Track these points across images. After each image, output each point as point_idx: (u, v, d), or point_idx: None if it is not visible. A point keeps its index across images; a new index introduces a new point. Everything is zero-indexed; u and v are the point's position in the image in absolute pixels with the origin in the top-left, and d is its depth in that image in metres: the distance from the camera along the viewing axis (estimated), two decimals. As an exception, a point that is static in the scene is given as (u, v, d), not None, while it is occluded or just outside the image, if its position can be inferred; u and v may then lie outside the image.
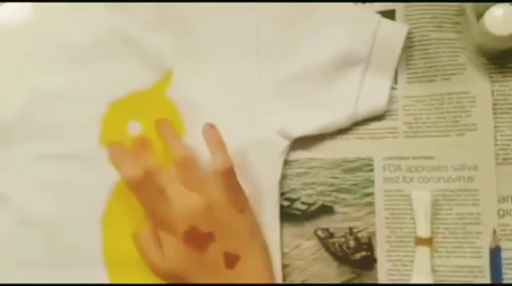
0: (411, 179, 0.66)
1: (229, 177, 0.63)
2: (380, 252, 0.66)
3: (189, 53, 0.68)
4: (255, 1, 0.67)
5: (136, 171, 0.63)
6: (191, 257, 0.63)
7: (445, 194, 0.65)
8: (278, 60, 0.67)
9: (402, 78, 0.67)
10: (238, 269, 0.63)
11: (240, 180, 0.64)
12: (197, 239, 0.63)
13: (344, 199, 0.67)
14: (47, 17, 0.71)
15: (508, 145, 0.65)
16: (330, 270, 0.67)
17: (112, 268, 0.68)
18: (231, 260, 0.63)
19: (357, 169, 0.67)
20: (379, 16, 0.66)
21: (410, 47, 0.67)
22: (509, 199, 0.65)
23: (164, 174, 0.65)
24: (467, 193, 0.65)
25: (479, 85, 0.66)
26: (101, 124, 0.69)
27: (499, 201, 0.65)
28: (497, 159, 0.65)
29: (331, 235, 0.67)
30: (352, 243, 0.67)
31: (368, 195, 0.67)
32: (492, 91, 0.65)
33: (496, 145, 0.65)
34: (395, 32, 0.66)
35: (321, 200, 0.67)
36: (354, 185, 0.67)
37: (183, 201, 0.63)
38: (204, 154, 0.65)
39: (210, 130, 0.65)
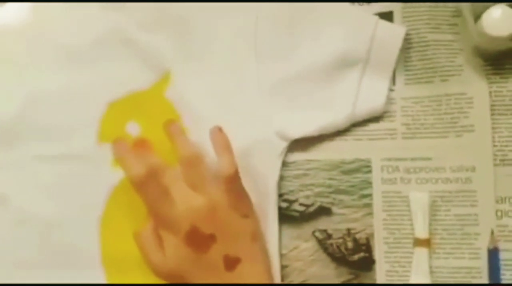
0: (409, 180, 0.66)
1: (233, 181, 0.63)
2: (378, 253, 0.66)
3: (187, 54, 0.68)
4: (254, 2, 0.67)
5: (141, 168, 0.63)
6: (191, 258, 0.63)
7: (443, 195, 0.65)
8: (276, 61, 0.67)
9: (400, 79, 0.67)
10: (238, 272, 0.63)
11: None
12: (198, 240, 0.62)
13: (342, 200, 0.67)
14: (46, 17, 0.71)
15: (506, 146, 0.65)
16: (329, 271, 0.67)
17: (110, 268, 0.68)
18: (231, 263, 0.63)
19: (355, 170, 0.67)
20: (377, 17, 0.66)
21: (408, 48, 0.67)
22: (507, 200, 0.65)
23: (169, 172, 0.65)
24: (465, 194, 0.65)
25: (476, 87, 0.66)
26: (99, 124, 0.69)
27: (497, 202, 0.65)
28: (495, 160, 0.65)
29: (329, 236, 0.67)
30: (350, 244, 0.66)
31: (366, 196, 0.67)
32: (490, 92, 0.66)
33: (494, 146, 0.65)
34: (393, 34, 0.66)
35: (319, 202, 0.67)
36: (352, 186, 0.67)
37: (186, 200, 0.63)
38: (205, 154, 0.65)
39: (218, 134, 0.64)
